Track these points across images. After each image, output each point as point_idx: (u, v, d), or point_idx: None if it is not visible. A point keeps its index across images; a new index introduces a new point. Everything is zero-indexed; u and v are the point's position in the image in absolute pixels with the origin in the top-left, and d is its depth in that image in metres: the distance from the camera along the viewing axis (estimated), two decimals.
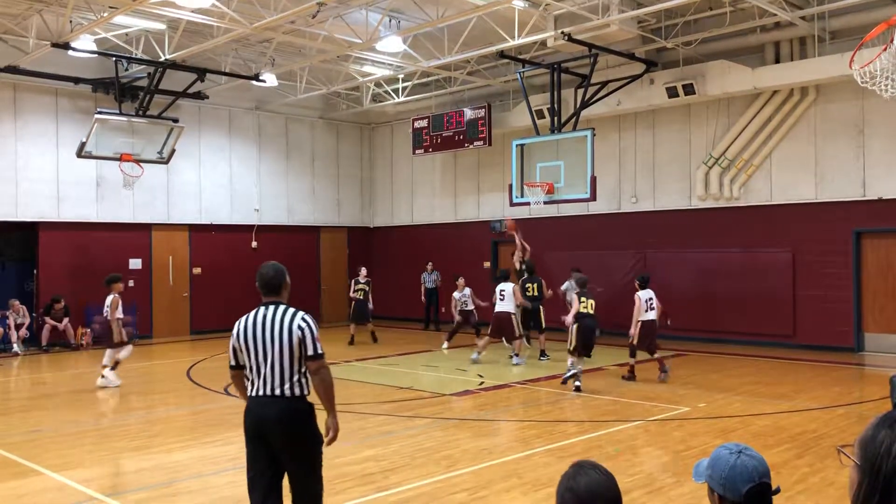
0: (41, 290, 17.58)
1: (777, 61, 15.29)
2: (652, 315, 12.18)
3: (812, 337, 15.19)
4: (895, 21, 7.32)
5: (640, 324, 12.11)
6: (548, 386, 11.84)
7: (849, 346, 14.77)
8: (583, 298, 11.50)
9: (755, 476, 2.32)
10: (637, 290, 12.41)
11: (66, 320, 17.16)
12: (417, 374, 13.14)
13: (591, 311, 11.56)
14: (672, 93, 16.03)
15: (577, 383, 11.18)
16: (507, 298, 13.78)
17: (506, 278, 14.28)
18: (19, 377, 14.15)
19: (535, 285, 15.03)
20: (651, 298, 12.23)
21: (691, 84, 15.71)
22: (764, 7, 13.30)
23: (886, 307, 14.63)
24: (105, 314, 12.11)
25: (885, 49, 7.51)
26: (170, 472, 7.37)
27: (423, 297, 20.46)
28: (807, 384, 11.59)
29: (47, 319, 16.94)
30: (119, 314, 12.05)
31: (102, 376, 12.03)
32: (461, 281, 16.61)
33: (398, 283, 22.38)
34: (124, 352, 12.26)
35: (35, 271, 17.75)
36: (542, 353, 14.66)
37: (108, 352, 12.20)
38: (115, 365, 12.15)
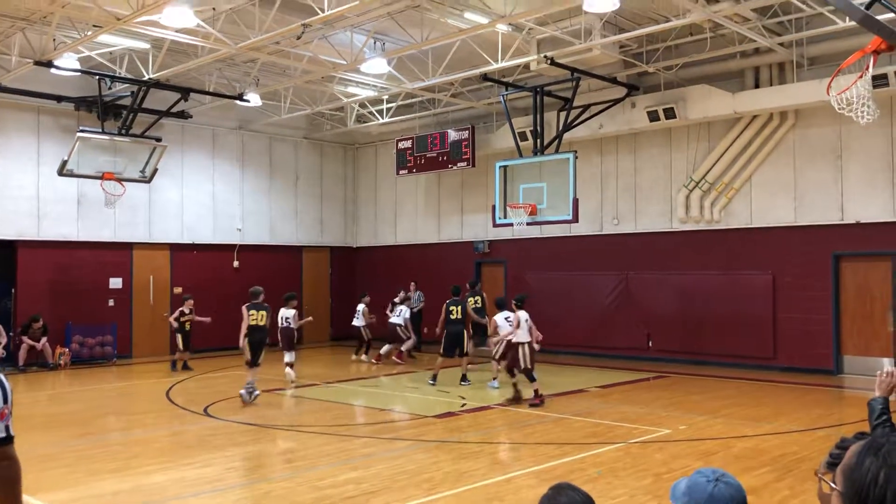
0: (19, 309, 17.38)
1: (757, 86, 15.51)
2: (525, 337, 11.99)
3: (792, 359, 15.29)
4: (870, 49, 7.46)
5: (508, 343, 12.35)
6: (530, 409, 11.82)
7: (828, 368, 14.87)
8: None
9: None
10: (498, 312, 12.73)
11: (44, 340, 16.95)
12: (398, 396, 13.09)
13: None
14: (653, 116, 16.20)
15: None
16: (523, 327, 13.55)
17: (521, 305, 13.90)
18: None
19: (459, 308, 14.50)
20: (528, 319, 12.08)
21: (672, 108, 15.89)
22: (744, 33, 13.51)
23: (864, 330, 14.77)
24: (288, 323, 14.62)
25: (860, 76, 7.65)
26: (148, 495, 7.28)
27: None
28: (787, 406, 11.65)
29: (24, 339, 16.73)
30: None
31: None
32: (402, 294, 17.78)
33: (382, 303, 22.31)
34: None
35: (13, 290, 17.55)
36: (463, 378, 14.10)
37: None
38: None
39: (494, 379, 13.87)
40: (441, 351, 14.24)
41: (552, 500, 2.44)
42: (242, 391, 12.09)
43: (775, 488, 7.11)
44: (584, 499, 2.45)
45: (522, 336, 12.02)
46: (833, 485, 1.71)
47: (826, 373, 14.77)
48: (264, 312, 12.50)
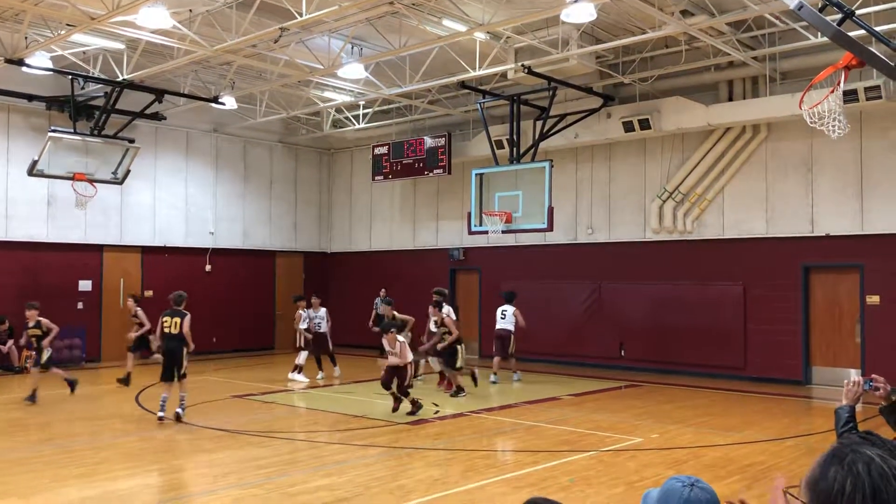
0: None
1: (730, 99, 15.71)
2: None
3: (762, 369, 15.46)
4: (842, 65, 7.59)
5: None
6: (503, 415, 11.83)
7: (797, 378, 15.06)
8: (165, 318, 11.35)
9: None
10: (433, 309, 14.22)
11: (10, 343, 16.65)
12: (372, 402, 13.01)
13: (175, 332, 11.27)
14: (628, 127, 16.33)
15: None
16: (507, 318, 15.34)
17: (510, 300, 15.58)
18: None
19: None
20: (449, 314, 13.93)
21: (647, 119, 16.03)
22: (718, 46, 13.69)
23: (833, 341, 14.98)
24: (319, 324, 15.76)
25: (832, 91, 7.77)
26: (115, 501, 7.16)
27: (371, 324, 20.26)
28: (756, 416, 11.76)
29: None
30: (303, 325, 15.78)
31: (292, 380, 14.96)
32: (316, 300, 16.30)
33: (355, 309, 22.23)
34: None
35: None
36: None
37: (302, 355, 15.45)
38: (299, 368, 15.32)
39: (495, 374, 15.26)
40: (493, 351, 15.73)
41: None
42: (170, 411, 10.97)
43: (744, 497, 7.16)
44: None
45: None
46: (797, 498, 1.68)
47: (795, 383, 14.95)
48: (178, 320, 11.26)
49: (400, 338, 11.83)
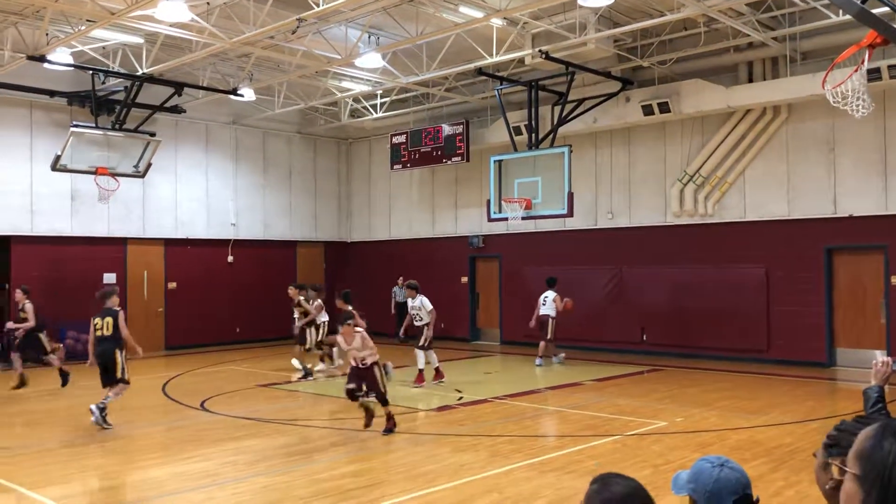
0: (12, 304, 17.30)
1: (750, 80, 15.57)
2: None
3: (785, 352, 15.38)
4: (865, 43, 7.51)
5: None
6: (526, 401, 11.87)
7: (821, 361, 14.97)
8: (96, 320, 10.28)
9: (739, 488, 2.36)
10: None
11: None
12: (394, 389, 13.09)
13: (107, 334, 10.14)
14: (647, 111, 16.24)
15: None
16: (548, 304, 15.79)
17: (552, 285, 16.05)
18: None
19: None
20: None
21: (666, 102, 15.93)
22: (737, 28, 13.56)
23: (857, 322, 14.87)
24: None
25: (856, 70, 7.70)
26: (146, 489, 7.30)
27: (393, 311, 20.47)
28: (781, 399, 11.73)
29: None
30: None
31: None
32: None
33: (376, 298, 22.35)
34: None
35: (6, 286, 17.48)
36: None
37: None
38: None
39: (540, 357, 15.72)
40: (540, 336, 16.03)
41: (606, 491, 2.27)
42: (94, 412, 9.81)
43: (770, 479, 7.17)
44: (635, 482, 2.30)
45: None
46: (847, 468, 1.72)
47: (819, 365, 14.87)
48: (111, 319, 10.16)
49: (359, 330, 9.58)
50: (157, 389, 13.38)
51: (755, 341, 15.78)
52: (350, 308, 12.87)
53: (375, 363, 9.43)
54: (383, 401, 9.38)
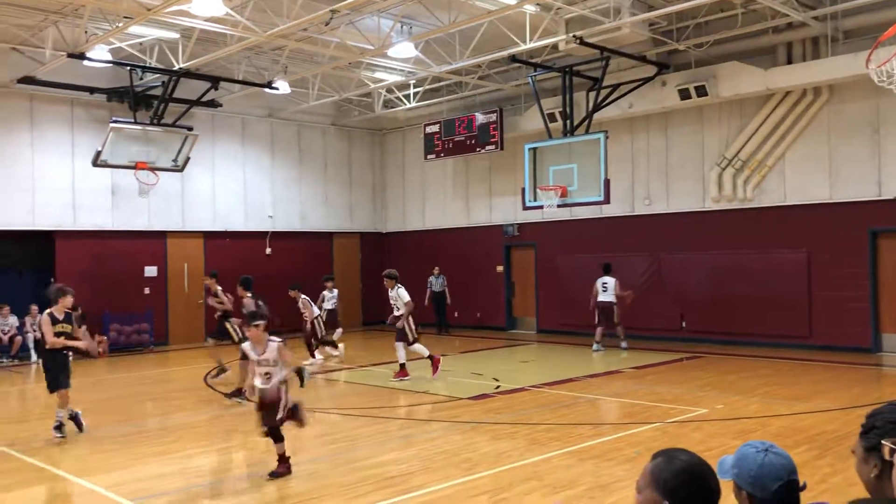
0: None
1: (789, 62, 15.26)
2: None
3: (828, 338, 15.11)
4: None
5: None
6: (563, 389, 11.84)
7: (866, 346, 14.69)
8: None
9: (783, 474, 2.33)
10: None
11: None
12: (431, 378, 13.15)
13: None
14: (684, 95, 16.02)
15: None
16: (609, 290, 16.01)
17: (608, 271, 16.24)
18: (36, 385, 14.24)
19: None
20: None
21: (703, 86, 15.69)
22: (776, 8, 13.28)
23: None
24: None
25: None
26: (192, 477, 7.43)
27: (426, 301, 20.53)
28: (824, 385, 11.54)
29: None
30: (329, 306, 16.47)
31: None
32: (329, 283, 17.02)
33: (412, 287, 22.37)
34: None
35: (51, 279, 17.87)
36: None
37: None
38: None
39: (597, 343, 16.02)
40: (596, 322, 16.20)
41: (677, 461, 2.26)
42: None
43: (816, 466, 7.07)
44: (700, 458, 2.30)
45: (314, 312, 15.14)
46: None
47: (864, 351, 14.59)
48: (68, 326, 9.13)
49: (274, 339, 7.27)
50: (199, 380, 13.59)
51: (797, 327, 15.53)
52: (251, 298, 12.02)
53: (284, 382, 7.26)
54: (276, 436, 7.25)
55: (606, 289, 16.08)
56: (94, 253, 18.17)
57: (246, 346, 7.40)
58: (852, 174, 14.92)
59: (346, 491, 6.66)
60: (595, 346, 15.98)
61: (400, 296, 13.04)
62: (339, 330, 17.02)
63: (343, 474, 7.20)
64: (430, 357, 13.00)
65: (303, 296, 15.48)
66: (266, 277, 20.68)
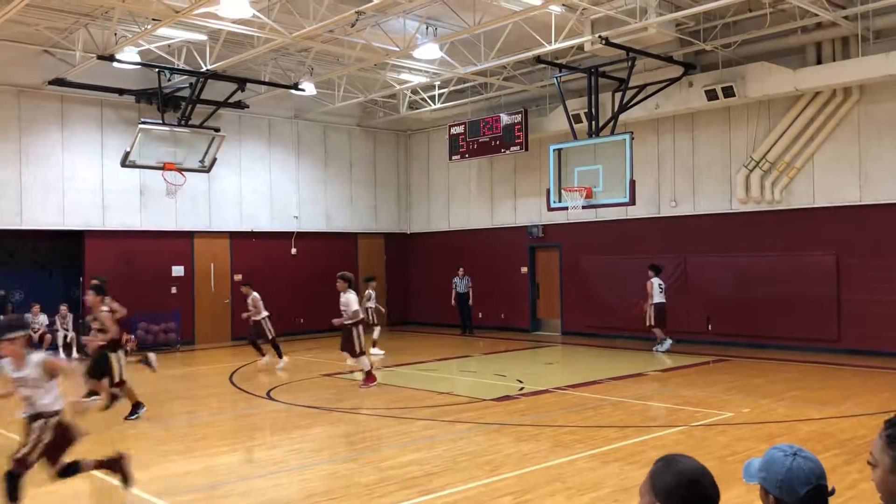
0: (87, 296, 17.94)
1: (819, 62, 15.06)
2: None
3: (858, 342, 14.89)
4: None
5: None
6: (588, 391, 11.78)
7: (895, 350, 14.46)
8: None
9: (812, 478, 2.30)
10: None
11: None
12: (455, 379, 13.16)
13: None
14: (711, 95, 15.87)
15: None
16: (664, 290, 16.31)
17: (659, 272, 16.44)
18: (63, 383, 14.43)
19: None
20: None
21: (731, 86, 15.53)
22: (805, 7, 13.12)
23: None
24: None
25: None
26: (217, 475, 7.49)
27: (453, 302, 20.58)
28: (854, 390, 11.37)
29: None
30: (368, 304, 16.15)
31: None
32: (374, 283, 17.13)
33: (436, 288, 22.46)
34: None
35: (81, 278, 18.13)
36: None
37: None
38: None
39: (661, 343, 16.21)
40: (653, 322, 16.27)
41: (676, 465, 2.28)
42: None
43: (845, 471, 6.97)
44: (700, 464, 2.32)
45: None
46: None
47: (893, 356, 14.35)
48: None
49: (43, 355, 5.91)
50: (225, 378, 13.70)
51: (825, 330, 15.32)
52: (97, 298, 10.60)
53: (56, 413, 5.78)
54: (64, 470, 5.98)
55: (662, 289, 16.32)
56: (123, 252, 18.36)
57: (4, 363, 5.74)
58: (884, 176, 14.69)
59: (368, 491, 6.68)
60: (666, 345, 16.13)
61: (348, 301, 12.36)
62: (378, 328, 17.01)
63: (365, 474, 7.22)
64: (367, 372, 12.37)
65: (254, 293, 15.39)
66: (292, 277, 20.89)
